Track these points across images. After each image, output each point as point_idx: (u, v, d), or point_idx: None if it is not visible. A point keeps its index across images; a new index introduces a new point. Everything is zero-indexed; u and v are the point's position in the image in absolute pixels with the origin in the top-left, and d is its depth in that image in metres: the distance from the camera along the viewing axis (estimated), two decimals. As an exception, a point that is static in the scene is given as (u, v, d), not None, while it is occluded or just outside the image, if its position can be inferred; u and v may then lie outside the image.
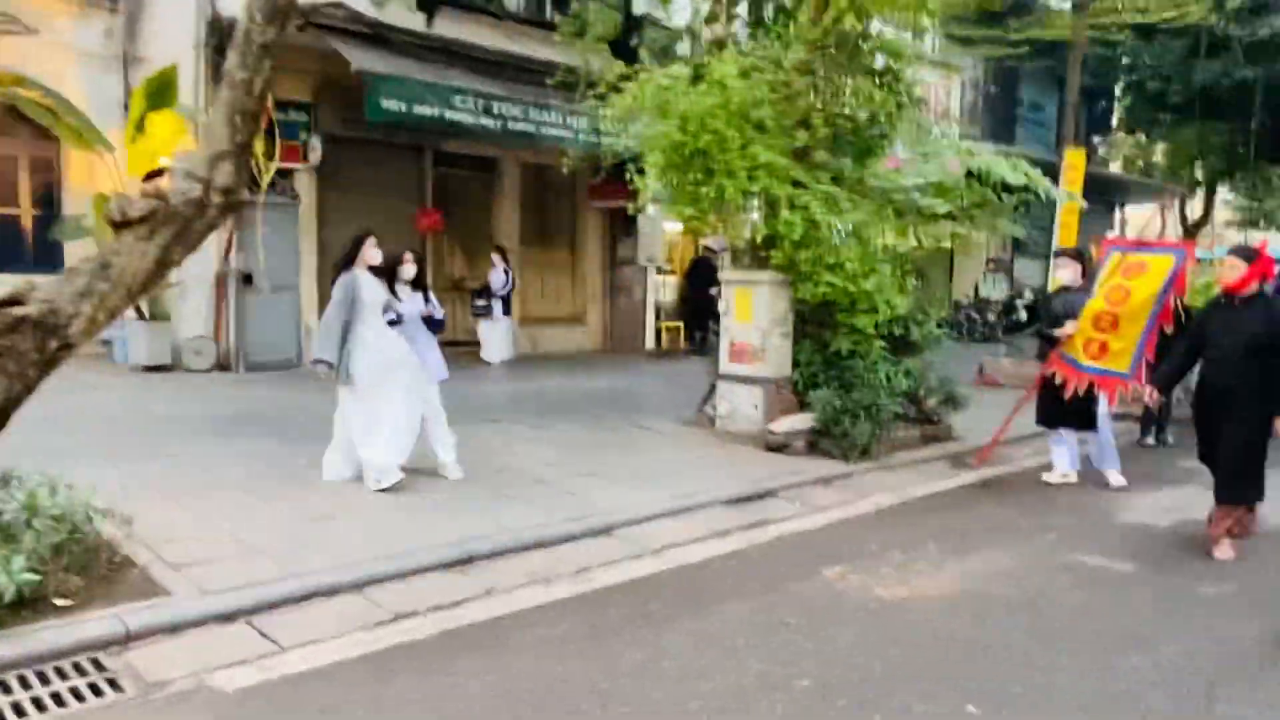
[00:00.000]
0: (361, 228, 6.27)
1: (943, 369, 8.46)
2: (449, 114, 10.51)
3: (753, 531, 5.60)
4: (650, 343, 15.13)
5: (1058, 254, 7.81)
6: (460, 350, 12.95)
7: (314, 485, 5.83)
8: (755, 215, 7.80)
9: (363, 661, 3.63)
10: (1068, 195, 9.36)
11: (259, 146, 9.04)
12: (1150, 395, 6.01)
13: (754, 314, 7.79)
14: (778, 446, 7.56)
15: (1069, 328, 6.82)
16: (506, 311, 12.79)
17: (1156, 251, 6.91)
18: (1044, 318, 7.65)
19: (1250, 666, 3.81)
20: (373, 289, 5.94)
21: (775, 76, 7.71)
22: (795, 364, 7.92)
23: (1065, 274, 7.22)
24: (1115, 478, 7.00)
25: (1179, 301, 6.71)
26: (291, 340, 11.03)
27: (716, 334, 14.93)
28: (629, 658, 3.72)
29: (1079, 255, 7.44)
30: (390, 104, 9.99)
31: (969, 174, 7.70)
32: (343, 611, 4.05)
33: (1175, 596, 4.65)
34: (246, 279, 10.64)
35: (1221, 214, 29.13)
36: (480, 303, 12.67)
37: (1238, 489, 5.30)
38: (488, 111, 10.92)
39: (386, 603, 4.17)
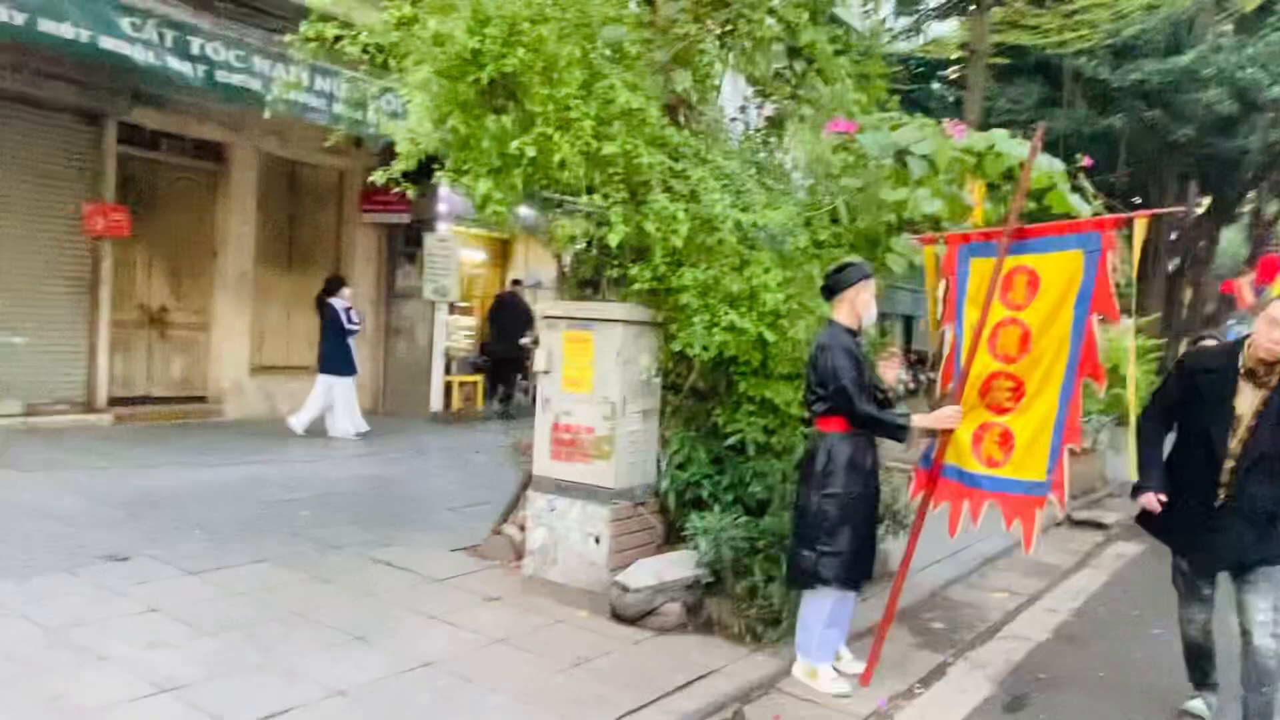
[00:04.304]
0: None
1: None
2: (105, 41, 6.61)
3: None
4: (438, 403, 11.47)
5: None
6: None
7: None
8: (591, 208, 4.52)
9: None
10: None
11: None
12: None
13: (596, 377, 4.47)
14: (634, 616, 4.25)
15: (949, 416, 3.72)
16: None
17: (1047, 246, 3.64)
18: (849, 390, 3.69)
19: None
20: None
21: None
22: (665, 465, 4.68)
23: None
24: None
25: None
26: None
27: (527, 391, 11.51)
28: None
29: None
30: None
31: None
32: None
33: None
34: None
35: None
36: None
37: None
38: (182, 50, 7.09)
39: None
